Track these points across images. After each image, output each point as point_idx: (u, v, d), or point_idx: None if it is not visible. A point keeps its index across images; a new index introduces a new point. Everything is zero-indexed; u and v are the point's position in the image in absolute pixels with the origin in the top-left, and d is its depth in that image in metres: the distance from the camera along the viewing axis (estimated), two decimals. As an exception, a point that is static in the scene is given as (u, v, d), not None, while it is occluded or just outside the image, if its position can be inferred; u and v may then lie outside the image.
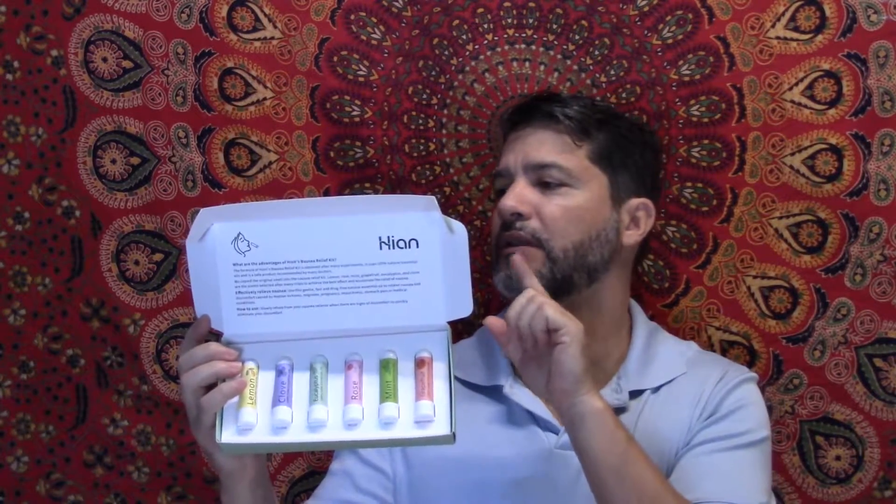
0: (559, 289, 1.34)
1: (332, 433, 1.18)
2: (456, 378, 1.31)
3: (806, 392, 1.51)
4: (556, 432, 1.34)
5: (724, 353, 1.52)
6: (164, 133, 1.57)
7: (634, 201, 1.40)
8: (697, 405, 1.35)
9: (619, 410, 1.34)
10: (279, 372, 1.20)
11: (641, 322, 1.44)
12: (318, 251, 1.20)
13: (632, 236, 1.41)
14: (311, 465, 1.64)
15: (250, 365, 1.20)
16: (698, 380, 1.38)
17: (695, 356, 1.43)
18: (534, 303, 1.21)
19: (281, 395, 1.18)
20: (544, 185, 1.37)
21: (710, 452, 1.31)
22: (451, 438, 1.16)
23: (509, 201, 1.36)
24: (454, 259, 1.20)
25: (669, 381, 1.38)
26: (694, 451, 1.31)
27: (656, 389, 1.38)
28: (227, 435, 1.17)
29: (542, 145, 1.38)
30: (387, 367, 1.20)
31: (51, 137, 1.59)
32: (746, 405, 1.35)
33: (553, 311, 1.19)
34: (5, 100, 1.59)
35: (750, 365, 1.51)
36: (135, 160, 1.59)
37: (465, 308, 1.21)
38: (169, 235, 1.59)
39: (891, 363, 1.49)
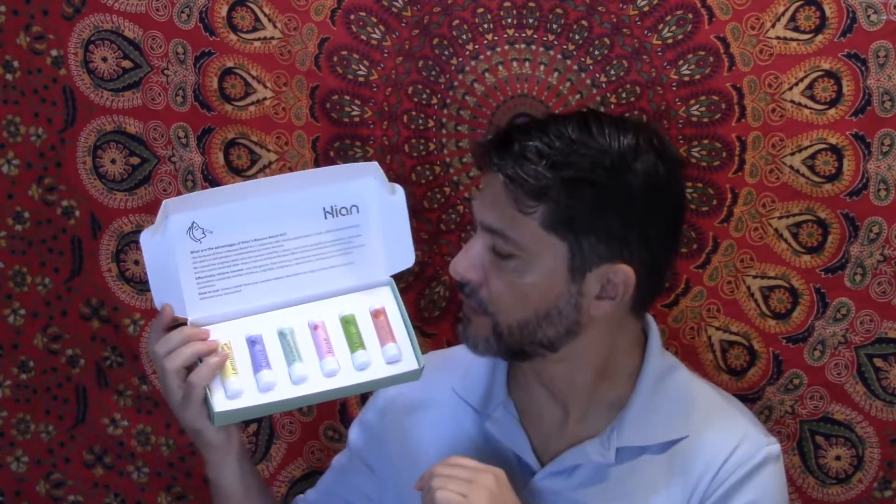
0: (513, 357, 1.27)
1: (316, 384, 1.25)
2: (453, 389, 1.36)
3: (806, 392, 1.51)
4: (532, 473, 1.28)
5: (724, 353, 1.52)
6: (164, 133, 1.57)
7: (606, 268, 1.20)
8: (695, 491, 1.23)
9: (599, 470, 1.25)
10: (252, 343, 1.27)
11: (652, 364, 1.29)
12: (269, 228, 1.29)
13: (602, 307, 1.22)
14: (311, 465, 1.64)
15: (223, 341, 1.27)
16: (704, 452, 1.24)
17: (707, 411, 1.28)
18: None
19: (261, 362, 1.26)
20: (495, 252, 1.22)
21: None
22: (419, 373, 1.27)
23: (459, 267, 1.24)
24: (393, 218, 1.31)
25: (671, 443, 1.25)
26: None
27: (659, 451, 1.25)
28: (220, 403, 1.23)
29: (494, 206, 1.21)
30: (349, 322, 1.29)
31: (51, 137, 1.59)
32: (759, 500, 1.22)
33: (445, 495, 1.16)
34: (5, 100, 1.59)
35: (750, 365, 1.51)
36: (134, 160, 1.59)
37: (407, 260, 1.33)
38: (169, 235, 1.59)
39: (891, 363, 1.49)
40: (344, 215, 1.31)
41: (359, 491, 1.42)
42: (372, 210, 1.31)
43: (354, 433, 1.44)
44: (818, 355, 1.50)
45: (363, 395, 1.54)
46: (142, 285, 1.61)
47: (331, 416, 1.62)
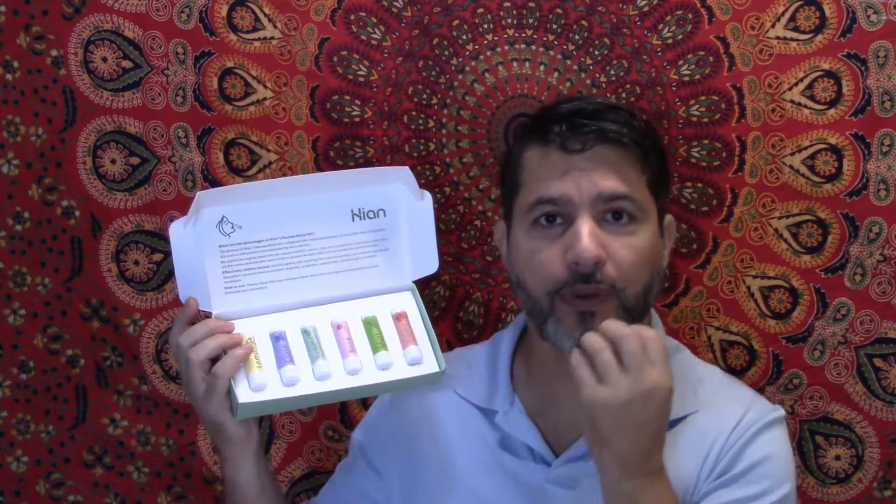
0: None
1: (339, 381, 1.27)
2: (456, 393, 1.36)
3: (806, 392, 1.51)
4: (548, 464, 1.28)
5: (724, 353, 1.52)
6: (164, 133, 1.57)
7: (667, 218, 1.33)
8: (707, 457, 1.24)
9: None
10: (276, 339, 1.29)
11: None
12: (298, 227, 1.31)
13: (666, 257, 1.32)
14: (311, 465, 1.64)
15: (248, 336, 1.28)
16: (714, 422, 1.26)
17: (714, 388, 1.31)
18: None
19: (285, 357, 1.27)
20: (612, 220, 1.22)
21: None
22: (440, 376, 1.28)
23: (592, 248, 1.18)
24: (420, 224, 1.34)
25: (681, 419, 1.26)
26: None
27: (669, 427, 1.20)
28: (244, 395, 1.24)
29: (613, 173, 1.22)
30: (371, 323, 1.31)
31: (51, 137, 1.59)
32: (767, 458, 1.23)
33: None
34: (5, 100, 1.59)
35: (750, 365, 1.51)
36: (134, 160, 1.59)
37: (431, 266, 1.35)
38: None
39: (890, 363, 1.49)
40: (371, 218, 1.33)
41: (363, 492, 1.42)
42: (399, 215, 1.33)
43: (358, 436, 1.44)
44: (818, 355, 1.50)
45: (364, 397, 1.54)
46: (142, 285, 1.61)
47: (331, 416, 1.62)
